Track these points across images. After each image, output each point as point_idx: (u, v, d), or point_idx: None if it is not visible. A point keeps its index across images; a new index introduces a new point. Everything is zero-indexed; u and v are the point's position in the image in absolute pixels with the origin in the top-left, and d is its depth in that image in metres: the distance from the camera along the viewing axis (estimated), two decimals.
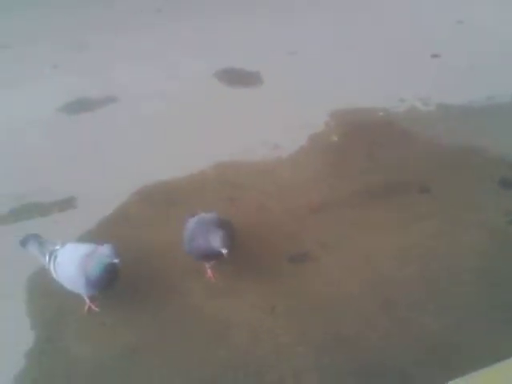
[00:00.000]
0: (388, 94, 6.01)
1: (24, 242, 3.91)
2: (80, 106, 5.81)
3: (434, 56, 6.67)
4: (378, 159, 5.19)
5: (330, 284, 4.04)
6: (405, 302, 3.92)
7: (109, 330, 3.74)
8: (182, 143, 5.32)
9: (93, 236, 4.21)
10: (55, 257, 3.74)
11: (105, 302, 3.88)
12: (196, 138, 5.38)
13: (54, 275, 3.76)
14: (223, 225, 3.77)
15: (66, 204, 4.64)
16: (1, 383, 3.42)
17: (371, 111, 5.80)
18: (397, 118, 5.75)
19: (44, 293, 3.94)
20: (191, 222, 3.90)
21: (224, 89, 6.17)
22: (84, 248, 3.70)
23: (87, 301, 3.85)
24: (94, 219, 4.32)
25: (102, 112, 5.77)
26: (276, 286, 4.01)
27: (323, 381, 3.45)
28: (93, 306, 3.86)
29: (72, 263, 3.64)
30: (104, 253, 3.51)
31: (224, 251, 3.56)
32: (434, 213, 4.61)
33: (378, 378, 3.48)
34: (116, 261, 3.49)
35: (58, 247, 3.79)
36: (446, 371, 3.32)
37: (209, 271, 4.02)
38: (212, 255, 3.75)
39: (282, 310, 3.87)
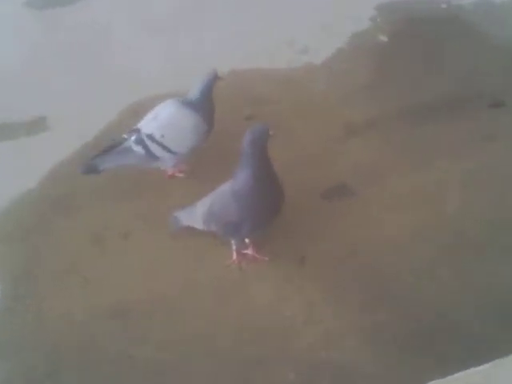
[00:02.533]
0: None
1: (92, 168, 3.53)
2: None
3: None
4: (438, 65, 4.60)
5: (373, 226, 3.61)
6: (465, 246, 3.45)
7: (91, 286, 3.37)
8: (185, 45, 4.78)
9: (69, 165, 3.82)
10: (149, 135, 3.50)
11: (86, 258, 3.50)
12: (202, 39, 4.81)
13: (166, 153, 3.56)
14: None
15: (36, 126, 4.22)
16: None
17: (430, 3, 5.12)
18: (463, 11, 5.04)
19: (13, 237, 3.58)
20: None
21: None
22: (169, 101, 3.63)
23: (169, 171, 3.76)
24: (71, 143, 3.93)
25: (79, 6, 5.19)
26: (306, 228, 3.59)
27: (363, 346, 3.08)
28: (177, 173, 3.79)
29: (180, 114, 3.55)
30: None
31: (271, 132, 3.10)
32: (509, 132, 4.10)
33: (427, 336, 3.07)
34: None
35: (133, 134, 3.52)
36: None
37: (234, 254, 3.44)
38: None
39: (313, 259, 3.45)
